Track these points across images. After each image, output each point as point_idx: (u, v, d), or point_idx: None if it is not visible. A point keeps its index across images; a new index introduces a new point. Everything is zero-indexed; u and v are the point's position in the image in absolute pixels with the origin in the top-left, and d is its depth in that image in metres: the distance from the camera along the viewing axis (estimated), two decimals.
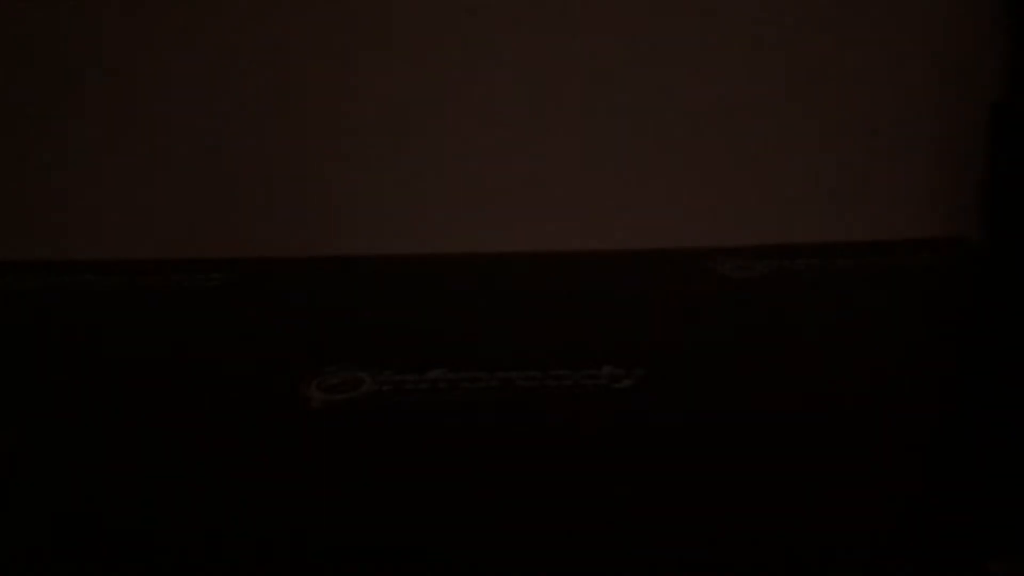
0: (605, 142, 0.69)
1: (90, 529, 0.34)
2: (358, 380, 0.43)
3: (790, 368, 0.45)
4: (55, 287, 0.57)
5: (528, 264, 0.61)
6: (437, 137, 0.69)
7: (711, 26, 0.67)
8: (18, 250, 0.66)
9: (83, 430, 0.41)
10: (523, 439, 0.39)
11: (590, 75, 0.68)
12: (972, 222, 0.67)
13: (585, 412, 0.41)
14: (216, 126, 0.69)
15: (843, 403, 0.41)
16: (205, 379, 0.45)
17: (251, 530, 0.34)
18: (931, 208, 0.69)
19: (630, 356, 0.45)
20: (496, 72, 0.68)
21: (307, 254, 0.64)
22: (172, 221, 0.70)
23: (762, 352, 0.47)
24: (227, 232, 0.70)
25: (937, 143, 0.68)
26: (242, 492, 0.36)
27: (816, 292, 0.54)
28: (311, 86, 0.68)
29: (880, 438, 0.38)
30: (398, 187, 0.70)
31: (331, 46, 0.67)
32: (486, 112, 0.68)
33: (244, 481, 0.37)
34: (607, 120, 0.69)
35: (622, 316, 0.52)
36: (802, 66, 0.67)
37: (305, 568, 0.32)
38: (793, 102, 0.68)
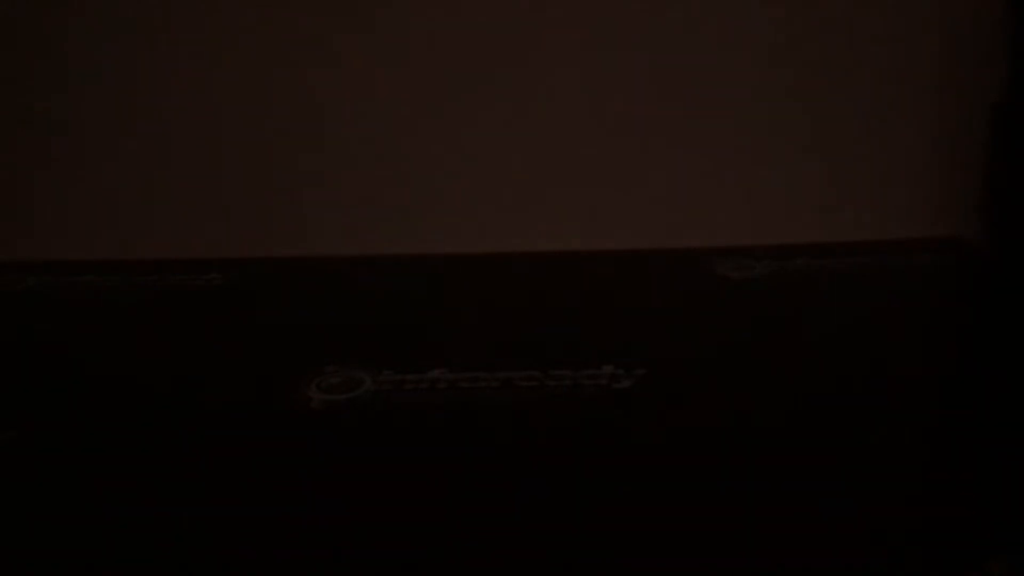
0: (605, 142, 0.69)
1: (90, 529, 0.34)
2: (358, 380, 0.43)
3: (790, 368, 0.45)
4: (55, 287, 0.57)
5: (528, 264, 0.61)
6: (437, 137, 0.69)
7: (710, 26, 0.67)
8: (18, 250, 0.66)
9: (83, 430, 0.41)
10: (523, 439, 0.39)
11: (590, 75, 0.68)
12: (972, 222, 0.67)
13: (585, 412, 0.41)
14: (216, 126, 0.69)
15: (843, 403, 0.41)
16: (205, 379, 0.45)
17: (251, 530, 0.34)
18: (931, 208, 0.69)
19: (630, 356, 0.45)
20: (496, 72, 0.68)
21: (307, 254, 0.64)
22: (172, 221, 0.70)
23: (762, 352, 0.47)
24: (227, 232, 0.70)
25: (937, 143, 0.68)
26: (242, 492, 0.36)
27: (816, 292, 0.54)
28: (311, 86, 0.68)
29: (880, 438, 0.38)
30: (398, 187, 0.70)
31: (332, 46, 0.67)
32: (486, 112, 0.68)
33: (244, 481, 0.37)
34: (607, 120, 0.68)
35: (622, 316, 0.52)
36: (802, 66, 0.67)
37: (305, 568, 0.32)
38: (793, 102, 0.68)
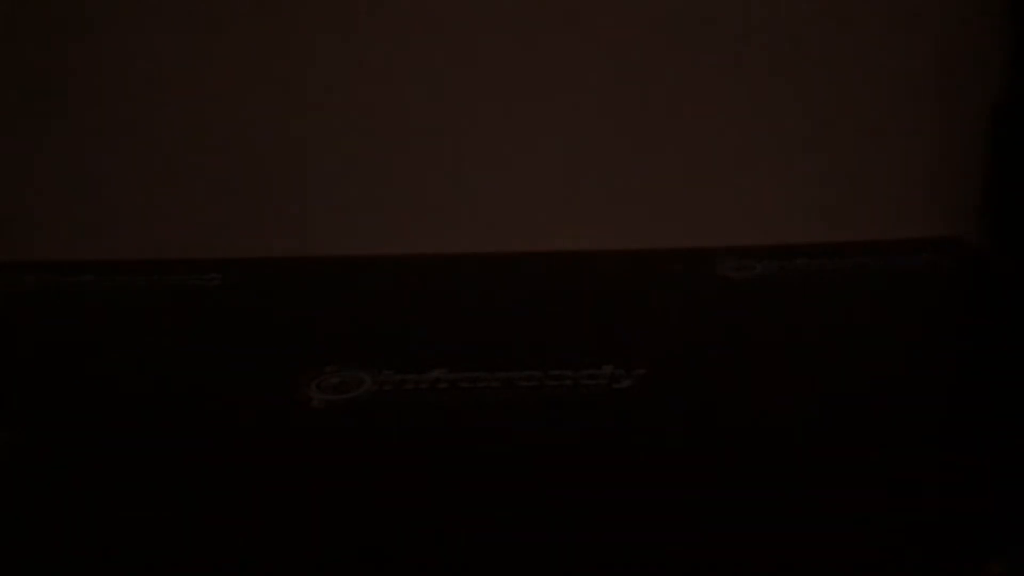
0: (605, 142, 0.69)
1: (89, 529, 0.34)
2: (358, 380, 0.43)
3: (790, 368, 0.45)
4: (55, 287, 0.57)
5: (528, 264, 0.61)
6: (437, 137, 0.69)
7: (710, 25, 0.67)
8: (18, 250, 0.66)
9: (82, 430, 0.41)
10: (523, 439, 0.39)
11: (590, 74, 0.68)
12: (972, 222, 0.67)
13: (585, 412, 0.41)
14: (216, 126, 0.69)
15: (843, 403, 0.41)
16: (205, 379, 0.45)
17: (250, 530, 0.34)
18: (931, 208, 0.69)
19: (630, 356, 0.45)
20: (497, 71, 0.68)
21: (307, 254, 0.64)
22: (172, 221, 0.70)
23: (762, 352, 0.47)
24: (227, 232, 0.70)
25: (937, 143, 0.68)
26: (241, 492, 0.36)
27: (816, 292, 0.54)
28: (311, 86, 0.68)
29: (880, 438, 0.38)
30: (398, 187, 0.70)
31: (331, 46, 0.67)
32: (487, 112, 0.68)
33: (244, 481, 0.37)
34: (607, 120, 0.69)
35: (622, 316, 0.52)
36: (802, 66, 0.67)
37: (305, 568, 0.32)
38: (793, 102, 0.68)
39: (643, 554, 0.32)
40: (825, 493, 0.35)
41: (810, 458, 0.37)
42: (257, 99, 0.68)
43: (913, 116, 0.68)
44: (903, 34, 0.67)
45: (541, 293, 0.56)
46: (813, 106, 0.68)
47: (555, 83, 0.68)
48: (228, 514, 0.35)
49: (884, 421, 0.40)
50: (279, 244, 0.68)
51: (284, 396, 0.42)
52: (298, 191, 0.70)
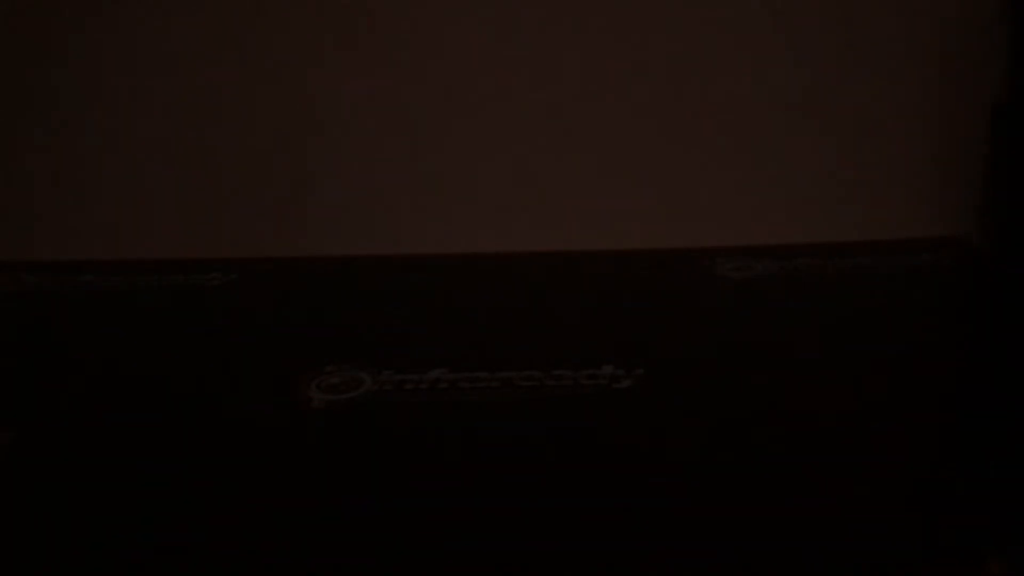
0: (605, 142, 0.69)
1: (88, 530, 0.34)
2: (358, 380, 0.43)
3: (790, 368, 0.45)
4: (55, 287, 0.57)
5: (528, 264, 0.61)
6: (436, 137, 0.69)
7: (710, 25, 0.67)
8: (18, 250, 0.66)
9: (82, 430, 0.41)
10: (523, 439, 0.39)
11: (590, 74, 0.68)
12: (972, 222, 0.67)
13: (585, 412, 0.41)
14: (216, 126, 0.69)
15: (843, 403, 0.41)
16: (204, 379, 0.45)
17: (250, 530, 0.34)
18: (931, 208, 0.69)
19: (630, 356, 0.45)
20: (496, 71, 0.68)
21: (307, 254, 0.64)
22: (172, 221, 0.70)
23: (762, 352, 0.47)
24: (227, 232, 0.70)
25: (937, 143, 0.68)
26: (241, 492, 0.36)
27: (816, 292, 0.54)
28: (311, 85, 0.68)
29: (880, 438, 0.38)
30: (398, 187, 0.70)
31: (330, 45, 0.67)
32: (486, 112, 0.68)
33: (243, 481, 0.37)
34: (606, 120, 0.69)
35: (622, 316, 0.52)
36: (802, 66, 0.67)
37: (305, 568, 0.32)
38: (793, 102, 0.68)
39: (643, 554, 0.32)
40: (825, 492, 0.35)
41: (809, 458, 0.37)
42: (257, 99, 0.68)
43: (913, 116, 0.68)
44: (903, 33, 0.67)
45: (541, 293, 0.56)
46: (813, 105, 0.68)
47: (555, 83, 0.68)
48: (228, 515, 0.35)
49: (884, 421, 0.40)
50: (279, 244, 0.68)
51: (284, 396, 0.42)
52: (298, 191, 0.70)
